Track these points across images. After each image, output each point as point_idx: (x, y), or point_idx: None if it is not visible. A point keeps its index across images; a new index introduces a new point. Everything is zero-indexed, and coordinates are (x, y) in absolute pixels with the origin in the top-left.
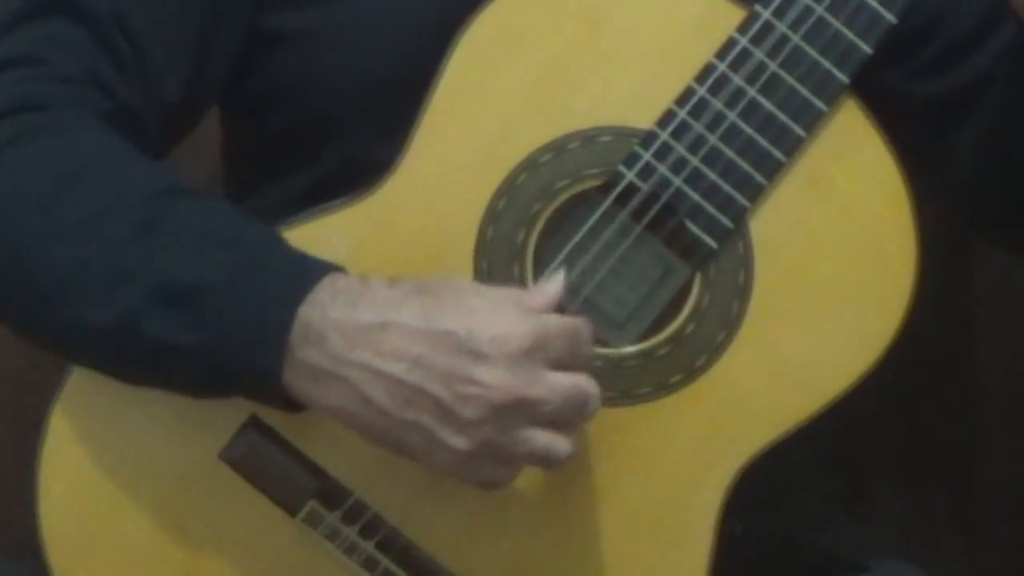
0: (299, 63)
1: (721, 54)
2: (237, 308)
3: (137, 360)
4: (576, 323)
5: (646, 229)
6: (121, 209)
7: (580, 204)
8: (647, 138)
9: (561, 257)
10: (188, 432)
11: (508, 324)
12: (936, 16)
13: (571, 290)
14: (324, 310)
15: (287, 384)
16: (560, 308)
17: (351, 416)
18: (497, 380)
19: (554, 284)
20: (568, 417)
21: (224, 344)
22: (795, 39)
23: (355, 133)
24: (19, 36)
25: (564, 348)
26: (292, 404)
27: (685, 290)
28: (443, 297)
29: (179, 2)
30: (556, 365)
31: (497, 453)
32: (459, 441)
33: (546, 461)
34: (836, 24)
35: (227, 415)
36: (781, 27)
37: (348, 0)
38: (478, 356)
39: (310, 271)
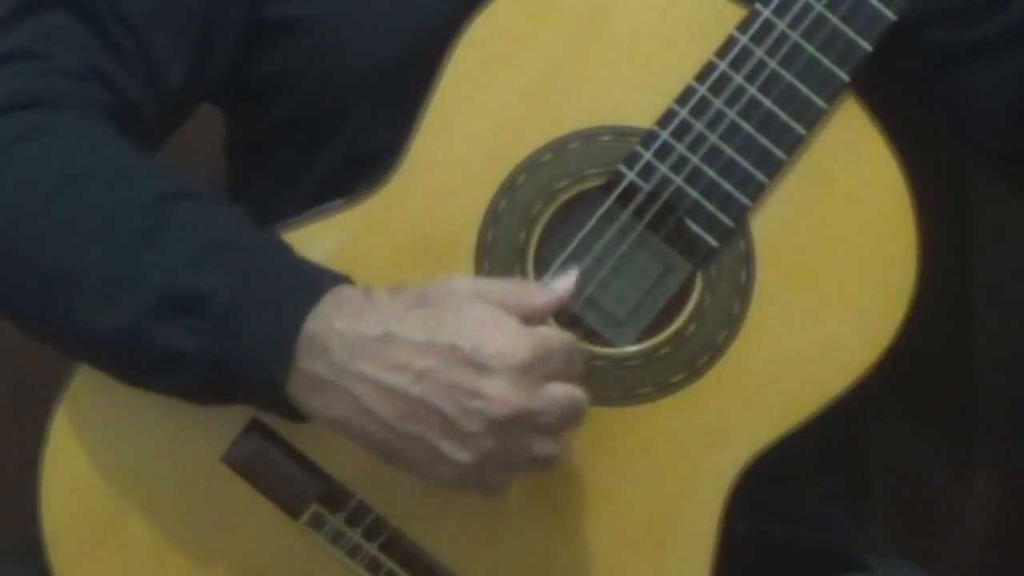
0: (303, 51)
1: (721, 53)
2: (243, 316)
3: (141, 364)
4: (571, 338)
5: (647, 228)
6: (127, 212)
7: (581, 204)
8: (647, 137)
9: (563, 257)
10: (190, 435)
11: (510, 338)
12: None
13: (576, 289)
14: (329, 321)
15: (290, 394)
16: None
17: (354, 428)
18: (500, 392)
19: (565, 283)
20: (564, 427)
21: (229, 351)
22: (795, 37)
23: (358, 123)
24: (19, 30)
25: (561, 362)
26: (295, 413)
27: (686, 289)
28: (445, 308)
29: None
30: (553, 378)
31: (498, 463)
32: (462, 454)
33: (542, 466)
34: (836, 22)
35: (230, 418)
36: (781, 25)
37: None
38: (482, 369)
39: (317, 281)
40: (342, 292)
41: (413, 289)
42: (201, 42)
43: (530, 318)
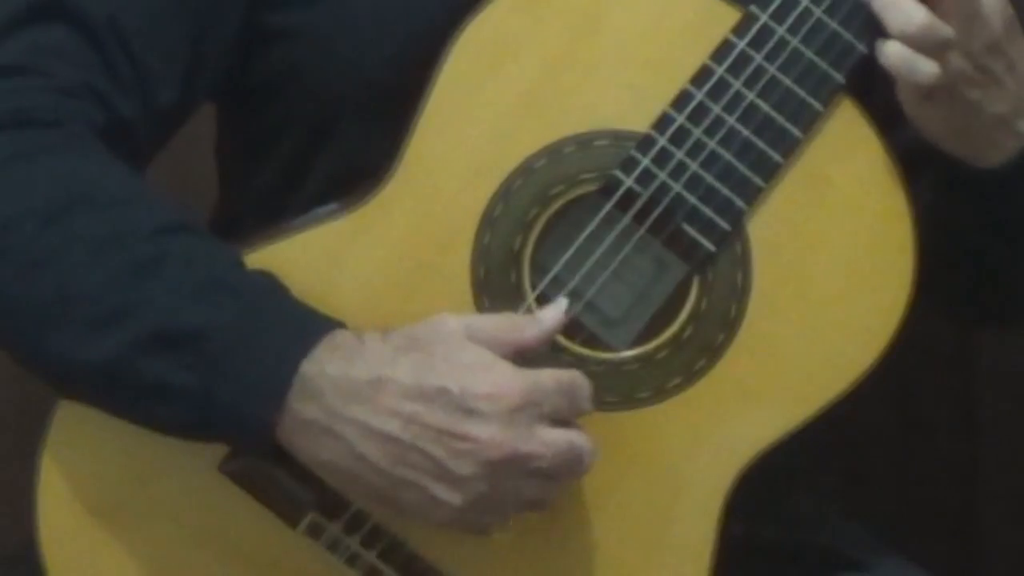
0: (299, 59)
1: (717, 56)
2: (238, 355)
3: (128, 396)
4: (571, 377)
5: (644, 232)
6: (121, 243)
7: (576, 209)
8: (643, 142)
9: (561, 263)
10: (189, 444)
11: (501, 380)
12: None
13: (573, 294)
14: (322, 366)
15: (279, 436)
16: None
17: (344, 471)
18: (490, 436)
19: (553, 314)
20: (561, 472)
21: (221, 389)
22: (792, 40)
23: (355, 129)
24: (14, 44)
25: (558, 403)
26: (272, 455)
27: (683, 293)
28: (435, 352)
29: (171, 7)
30: (551, 419)
31: (490, 506)
32: (453, 496)
33: (536, 508)
34: (833, 25)
35: None
36: (777, 28)
37: None
38: (471, 413)
39: (313, 326)
40: (335, 337)
41: (404, 331)
42: (193, 60)
43: (523, 352)
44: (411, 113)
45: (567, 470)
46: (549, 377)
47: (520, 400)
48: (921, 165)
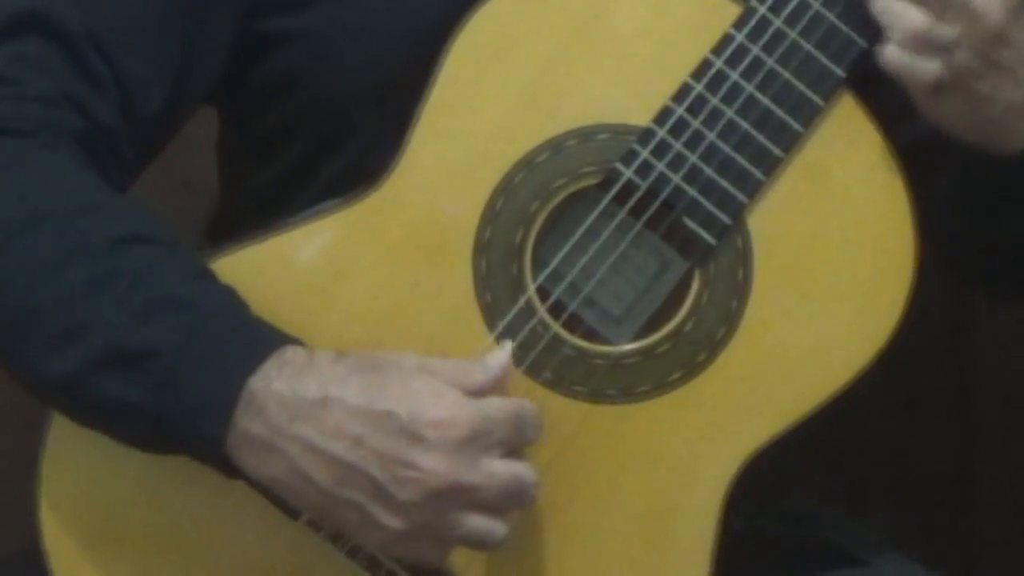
0: (299, 62)
1: (717, 50)
2: (186, 374)
3: (85, 412)
4: (519, 405)
5: (645, 226)
6: (80, 257)
7: (578, 202)
8: (644, 135)
9: (560, 257)
10: None
11: (449, 409)
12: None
13: (572, 288)
14: (268, 381)
15: (228, 452)
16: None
17: (287, 488)
18: (434, 465)
19: (499, 359)
20: (504, 504)
21: (170, 408)
22: (791, 34)
23: (357, 132)
24: None
25: (506, 433)
26: (233, 470)
27: (684, 287)
28: (387, 376)
29: (159, 14)
30: (500, 449)
31: (431, 534)
32: (393, 521)
33: (478, 544)
34: (832, 18)
35: None
36: (777, 22)
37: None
38: (417, 440)
39: (262, 341)
40: (285, 353)
41: (360, 355)
42: (182, 63)
43: (474, 394)
44: (413, 110)
45: (510, 502)
46: (498, 408)
47: (467, 430)
48: (939, 153)
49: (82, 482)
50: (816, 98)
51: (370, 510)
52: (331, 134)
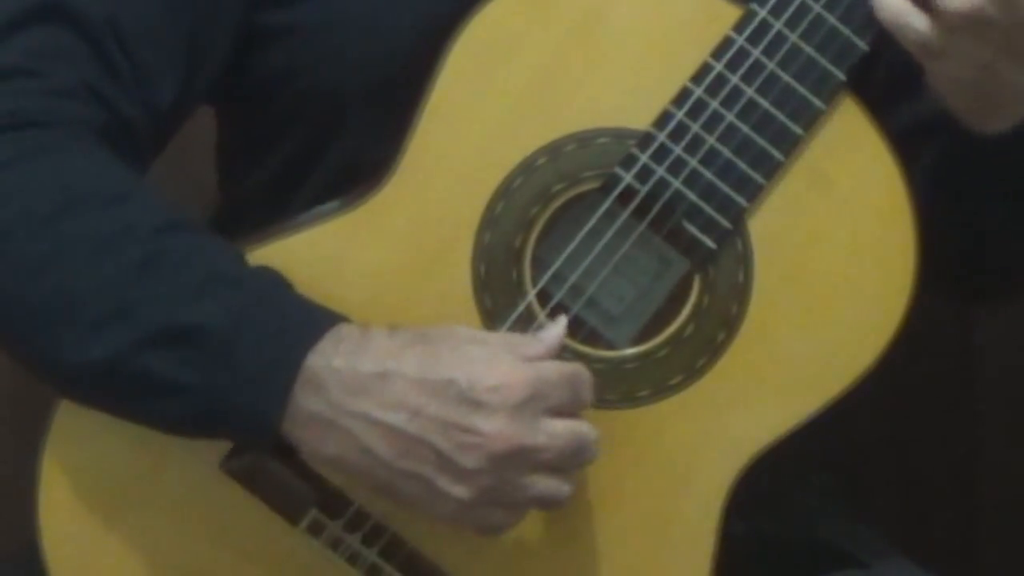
0: (298, 58)
1: (717, 53)
2: (242, 350)
3: (129, 394)
4: (574, 369)
5: (645, 229)
6: (122, 242)
7: (578, 207)
8: (644, 139)
9: (561, 260)
10: (190, 442)
11: (507, 373)
12: (876, 51)
13: (574, 290)
14: (327, 359)
15: (285, 430)
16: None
17: (351, 465)
18: (496, 429)
19: (555, 332)
20: (567, 463)
21: (227, 385)
22: (792, 37)
23: (355, 128)
24: (13, 46)
25: (563, 395)
26: (278, 450)
27: (684, 291)
28: (440, 346)
29: (168, 6)
30: (555, 412)
31: (498, 500)
32: (460, 490)
33: (547, 505)
34: (832, 21)
35: None
36: (777, 25)
37: None
38: (477, 405)
39: (318, 319)
40: (341, 330)
41: (412, 328)
42: (192, 56)
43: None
44: (412, 110)
45: (573, 461)
46: (553, 370)
47: (526, 393)
48: (921, 141)
49: (82, 483)
50: (817, 101)
51: (435, 481)
52: (327, 131)
